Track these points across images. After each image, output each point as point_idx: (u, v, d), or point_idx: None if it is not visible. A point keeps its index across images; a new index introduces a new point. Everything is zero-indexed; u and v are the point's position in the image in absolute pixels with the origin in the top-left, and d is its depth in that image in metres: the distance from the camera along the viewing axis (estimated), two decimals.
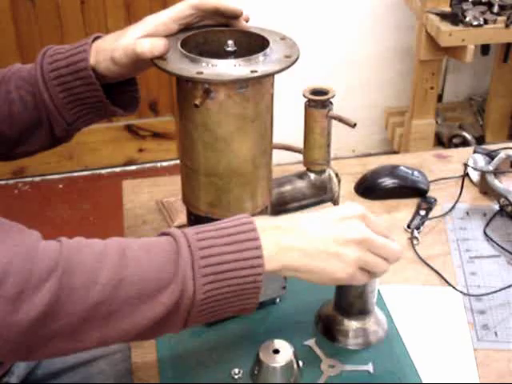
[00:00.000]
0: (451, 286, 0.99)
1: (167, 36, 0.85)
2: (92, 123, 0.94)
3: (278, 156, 0.97)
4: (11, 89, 0.90)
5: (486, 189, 1.16)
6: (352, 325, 0.89)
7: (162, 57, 0.81)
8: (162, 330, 0.71)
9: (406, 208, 1.14)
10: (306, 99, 0.91)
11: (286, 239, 0.73)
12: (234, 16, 0.87)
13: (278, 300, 0.94)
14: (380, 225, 0.78)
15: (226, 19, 0.87)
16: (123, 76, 0.90)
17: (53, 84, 0.88)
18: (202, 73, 0.75)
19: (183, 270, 0.68)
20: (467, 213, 1.14)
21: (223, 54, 0.85)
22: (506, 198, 1.11)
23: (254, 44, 0.85)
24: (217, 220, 0.86)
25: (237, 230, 0.72)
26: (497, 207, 1.13)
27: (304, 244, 0.73)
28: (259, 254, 0.70)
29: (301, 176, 0.96)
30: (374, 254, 0.75)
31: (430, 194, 1.17)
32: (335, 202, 0.99)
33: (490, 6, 2.13)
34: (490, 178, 1.15)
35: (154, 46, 0.82)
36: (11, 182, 2.57)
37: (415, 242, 1.07)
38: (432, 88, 2.30)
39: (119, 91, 0.93)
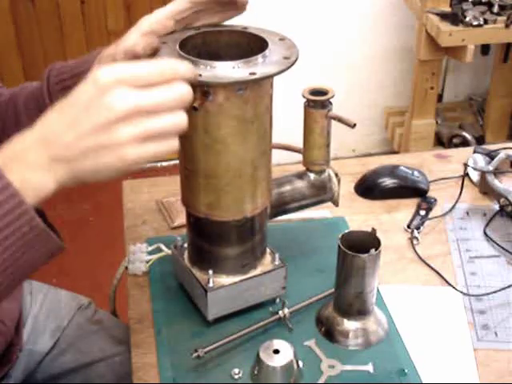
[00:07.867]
0: (451, 286, 0.99)
1: (166, 34, 0.85)
2: None
3: (277, 156, 0.98)
4: (19, 103, 0.96)
5: (486, 189, 1.16)
6: (352, 325, 0.89)
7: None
8: None
9: (406, 208, 1.14)
10: (305, 99, 0.91)
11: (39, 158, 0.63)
12: (232, 2, 0.87)
13: (277, 300, 0.95)
14: (143, 75, 0.63)
15: (225, 9, 0.87)
16: None
17: (57, 96, 0.90)
18: (200, 75, 0.75)
19: None
20: (467, 213, 1.14)
21: (222, 56, 0.86)
22: (506, 198, 1.11)
23: (252, 45, 0.85)
24: (216, 221, 0.86)
25: None
26: (497, 207, 1.13)
27: (61, 152, 0.62)
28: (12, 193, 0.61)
29: (300, 176, 0.96)
30: (154, 116, 0.63)
31: (430, 194, 1.17)
32: (335, 202, 0.99)
33: (490, 6, 2.13)
34: (490, 178, 1.15)
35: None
36: None
37: (415, 241, 1.07)
38: (432, 88, 2.30)
39: None
